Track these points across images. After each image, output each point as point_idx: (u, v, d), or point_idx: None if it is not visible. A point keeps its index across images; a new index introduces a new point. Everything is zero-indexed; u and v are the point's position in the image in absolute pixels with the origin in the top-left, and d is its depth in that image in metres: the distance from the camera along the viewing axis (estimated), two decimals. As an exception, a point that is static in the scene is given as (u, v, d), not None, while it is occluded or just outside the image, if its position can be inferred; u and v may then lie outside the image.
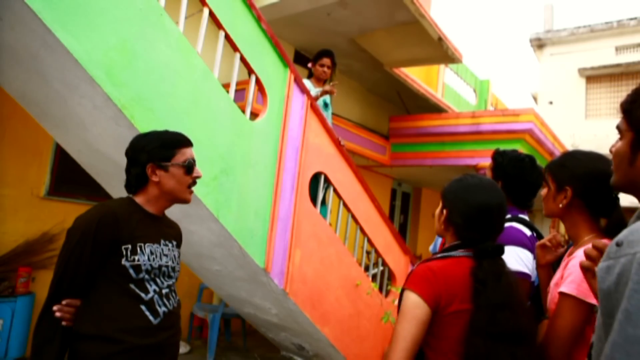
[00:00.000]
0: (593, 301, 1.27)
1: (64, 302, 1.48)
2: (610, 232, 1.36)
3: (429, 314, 1.26)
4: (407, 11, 5.21)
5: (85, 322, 1.48)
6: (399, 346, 1.24)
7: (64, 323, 1.46)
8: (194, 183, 1.73)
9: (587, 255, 1.02)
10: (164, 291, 1.62)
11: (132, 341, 1.48)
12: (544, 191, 1.57)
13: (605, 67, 12.05)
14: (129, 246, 1.53)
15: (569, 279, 1.35)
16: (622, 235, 0.83)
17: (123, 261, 1.51)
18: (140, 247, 1.56)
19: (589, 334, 1.32)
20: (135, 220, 1.59)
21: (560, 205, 1.48)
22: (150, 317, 1.54)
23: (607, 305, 0.80)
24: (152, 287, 1.58)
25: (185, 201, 1.72)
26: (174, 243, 1.74)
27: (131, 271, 1.52)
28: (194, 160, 1.72)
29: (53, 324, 1.46)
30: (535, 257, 1.69)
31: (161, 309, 1.58)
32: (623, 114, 1.04)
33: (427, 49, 6.09)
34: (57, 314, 1.45)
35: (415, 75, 7.47)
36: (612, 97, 11.95)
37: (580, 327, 1.31)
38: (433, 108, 8.03)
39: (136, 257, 1.53)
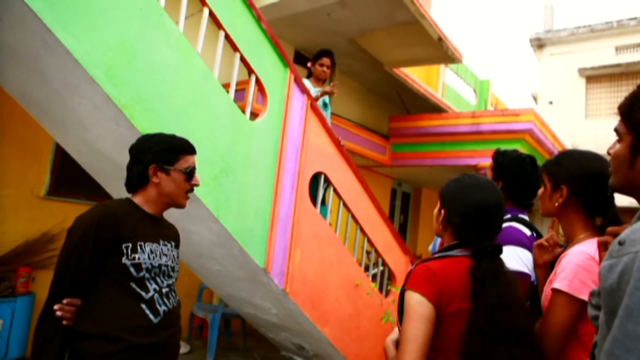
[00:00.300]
0: (585, 297, 1.27)
1: (64, 302, 1.48)
2: (605, 230, 1.36)
3: (434, 312, 1.26)
4: (407, 11, 5.21)
5: (85, 321, 1.48)
6: (411, 347, 1.22)
7: (64, 322, 1.47)
8: (192, 190, 1.77)
9: (610, 232, 1.03)
10: (164, 290, 1.63)
11: (132, 340, 1.48)
12: (540, 190, 1.58)
13: (605, 67, 12.05)
14: (129, 245, 1.54)
15: (561, 275, 1.36)
16: (625, 234, 0.84)
17: (124, 259, 1.52)
18: (141, 245, 1.57)
19: (581, 330, 1.32)
20: (135, 220, 1.61)
21: (556, 204, 1.49)
22: (151, 316, 1.55)
23: (610, 303, 0.81)
24: (152, 286, 1.59)
25: (181, 206, 1.76)
26: (173, 244, 1.76)
27: (132, 269, 1.53)
28: (195, 168, 1.76)
29: (54, 323, 1.46)
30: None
31: (161, 308, 1.59)
32: (621, 117, 1.03)
33: (427, 49, 6.10)
34: (58, 313, 1.46)
35: (415, 75, 7.48)
36: (612, 97, 11.95)
37: (572, 323, 1.32)
38: (433, 108, 8.03)
39: (136, 256, 1.54)
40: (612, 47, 12.28)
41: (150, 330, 1.54)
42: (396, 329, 1.43)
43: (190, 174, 1.73)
